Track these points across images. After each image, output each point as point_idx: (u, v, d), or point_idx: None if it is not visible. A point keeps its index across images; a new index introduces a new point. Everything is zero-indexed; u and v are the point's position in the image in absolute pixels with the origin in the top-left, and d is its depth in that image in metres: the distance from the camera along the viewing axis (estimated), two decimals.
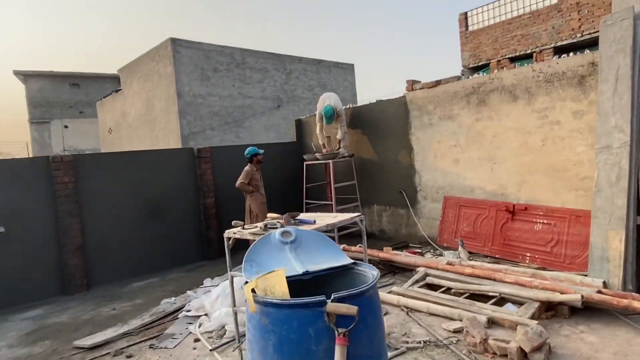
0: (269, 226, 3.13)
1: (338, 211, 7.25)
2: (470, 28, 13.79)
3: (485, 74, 7.71)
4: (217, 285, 5.58)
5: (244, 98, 14.46)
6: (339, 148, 7.44)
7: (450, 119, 6.38)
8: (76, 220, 6.11)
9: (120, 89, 16.70)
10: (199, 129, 13.43)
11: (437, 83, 6.48)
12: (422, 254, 6.10)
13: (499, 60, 12.96)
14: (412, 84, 6.84)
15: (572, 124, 5.16)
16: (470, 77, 6.28)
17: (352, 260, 2.37)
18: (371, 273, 2.17)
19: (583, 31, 11.11)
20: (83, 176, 6.27)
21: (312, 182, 7.95)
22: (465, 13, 13.83)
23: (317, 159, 7.46)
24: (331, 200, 7.98)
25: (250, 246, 2.39)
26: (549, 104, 5.34)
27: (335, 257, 2.44)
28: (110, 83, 25.92)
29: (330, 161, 7.20)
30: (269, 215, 3.45)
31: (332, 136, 7.62)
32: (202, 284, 5.73)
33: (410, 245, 6.84)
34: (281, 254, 2.41)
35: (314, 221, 3.27)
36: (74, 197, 6.12)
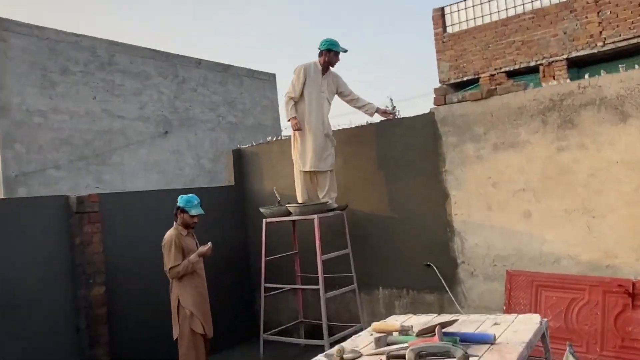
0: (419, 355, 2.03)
1: (328, 299, 6.30)
2: (449, 29, 14.12)
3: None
4: None
5: (112, 118, 13.20)
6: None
7: (513, 148, 5.92)
8: None
9: None
10: (36, 167, 11.77)
11: (490, 93, 6.00)
12: None
13: (492, 75, 13.29)
14: (444, 94, 6.27)
15: None
16: (545, 85, 5.91)
17: None
18: None
19: (605, 38, 11.80)
20: None
21: (272, 253, 6.93)
22: (442, 9, 14.19)
23: (288, 214, 6.50)
24: (300, 283, 7.09)
25: None
26: None
27: None
28: None
29: (315, 216, 6.26)
30: (375, 327, 2.35)
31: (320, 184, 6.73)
32: None
33: None
34: None
35: (494, 337, 2.29)
36: None
